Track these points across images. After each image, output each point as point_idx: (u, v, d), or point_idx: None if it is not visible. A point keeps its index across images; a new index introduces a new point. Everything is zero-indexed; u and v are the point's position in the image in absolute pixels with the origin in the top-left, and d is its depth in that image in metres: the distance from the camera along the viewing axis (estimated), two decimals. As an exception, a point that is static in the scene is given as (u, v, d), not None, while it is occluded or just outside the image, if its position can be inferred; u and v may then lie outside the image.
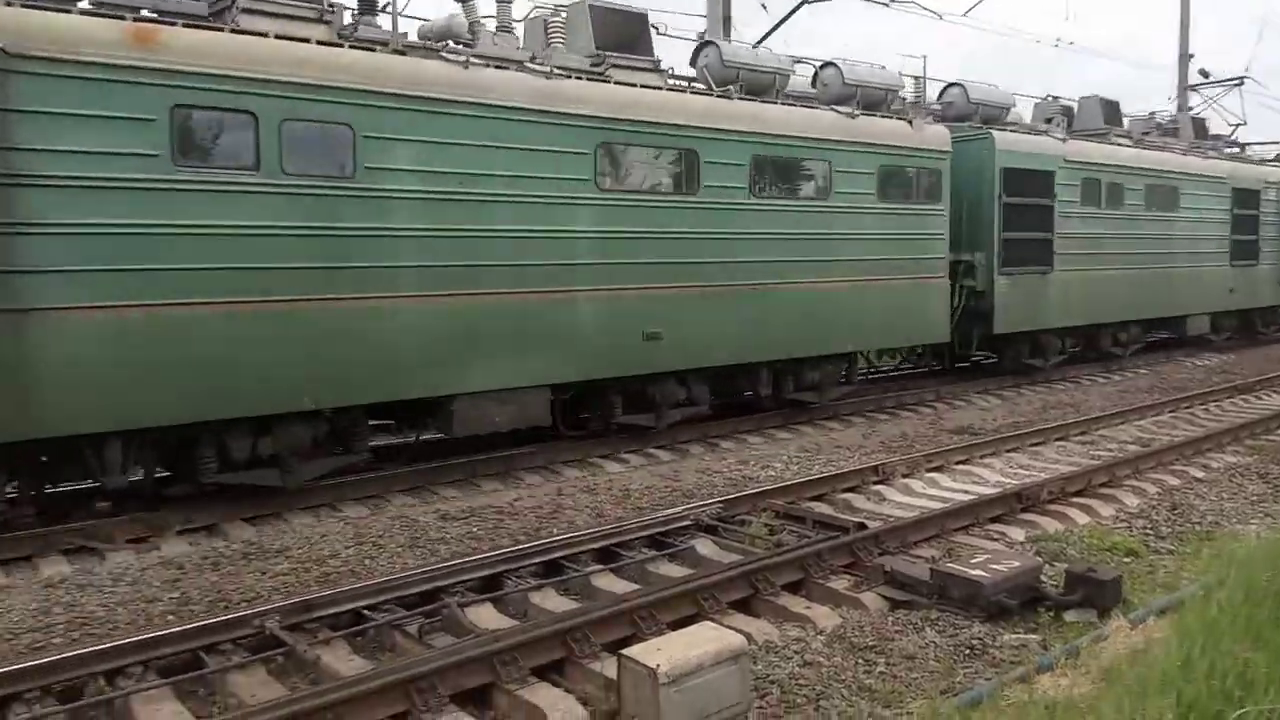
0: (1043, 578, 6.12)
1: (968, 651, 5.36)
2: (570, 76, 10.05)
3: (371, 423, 9.46)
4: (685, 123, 10.73)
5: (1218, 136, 23.05)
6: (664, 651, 4.34)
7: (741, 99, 11.48)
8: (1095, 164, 16.64)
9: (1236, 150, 22.96)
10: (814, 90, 13.20)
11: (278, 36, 8.23)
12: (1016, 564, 6.06)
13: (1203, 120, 23.47)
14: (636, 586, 6.31)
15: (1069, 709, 4.19)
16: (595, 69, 10.52)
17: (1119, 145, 17.89)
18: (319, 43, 8.44)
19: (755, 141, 11.39)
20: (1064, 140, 16.13)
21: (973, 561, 6.18)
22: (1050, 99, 18.57)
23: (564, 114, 9.78)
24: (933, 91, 15.95)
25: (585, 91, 10.05)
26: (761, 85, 11.99)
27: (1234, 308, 21.05)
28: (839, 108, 12.59)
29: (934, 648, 5.38)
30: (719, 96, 11.32)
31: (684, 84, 11.47)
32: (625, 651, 4.44)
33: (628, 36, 11.04)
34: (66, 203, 7.20)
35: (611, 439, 10.92)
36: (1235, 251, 20.48)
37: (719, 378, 11.67)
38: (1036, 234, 15.45)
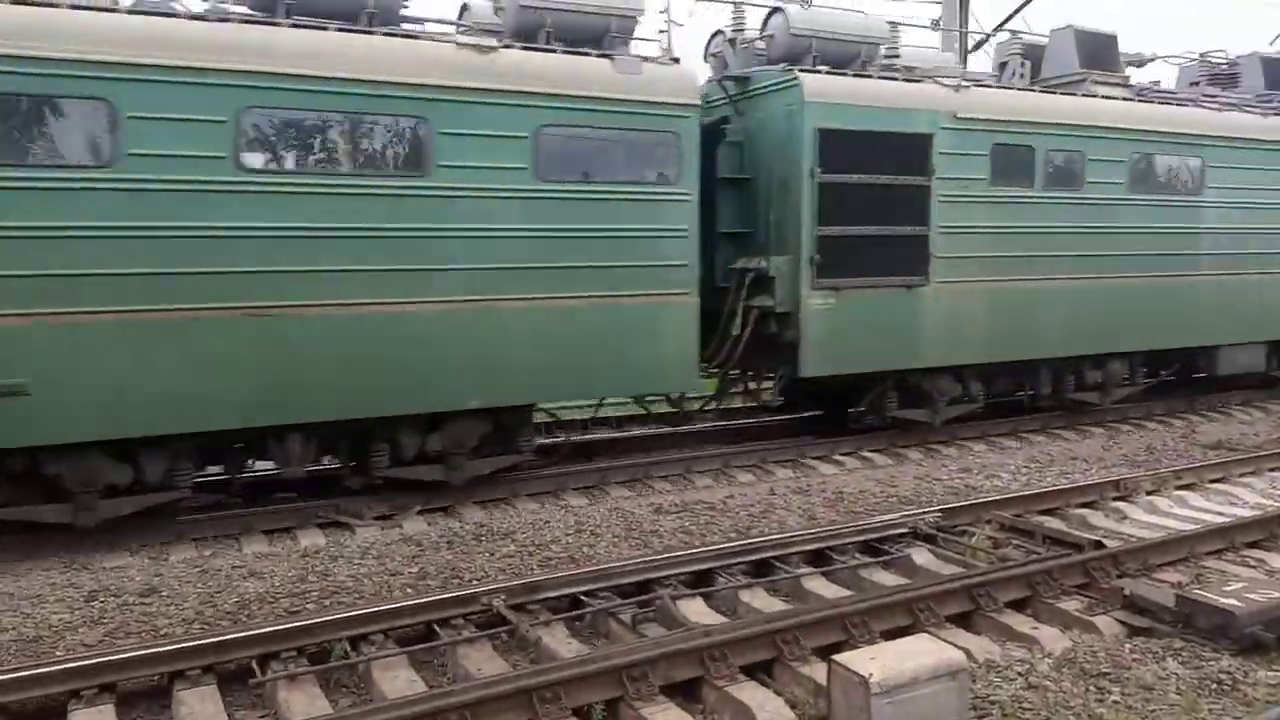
0: (1309, 612, 5.51)
1: (1215, 686, 4.91)
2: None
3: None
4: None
5: None
6: (877, 661, 4.23)
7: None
8: (1018, 123, 11.10)
9: None
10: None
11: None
12: (1277, 595, 5.49)
13: None
14: (848, 592, 6.23)
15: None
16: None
17: (1093, 96, 12.13)
18: None
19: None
20: (955, 89, 10.77)
21: (1225, 589, 5.67)
22: (1012, 36, 13.84)
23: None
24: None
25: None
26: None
27: None
28: (460, 38, 8.60)
29: (1176, 679, 4.97)
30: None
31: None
32: (836, 657, 4.38)
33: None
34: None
35: (825, 440, 10.91)
36: None
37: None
38: (891, 229, 10.35)
